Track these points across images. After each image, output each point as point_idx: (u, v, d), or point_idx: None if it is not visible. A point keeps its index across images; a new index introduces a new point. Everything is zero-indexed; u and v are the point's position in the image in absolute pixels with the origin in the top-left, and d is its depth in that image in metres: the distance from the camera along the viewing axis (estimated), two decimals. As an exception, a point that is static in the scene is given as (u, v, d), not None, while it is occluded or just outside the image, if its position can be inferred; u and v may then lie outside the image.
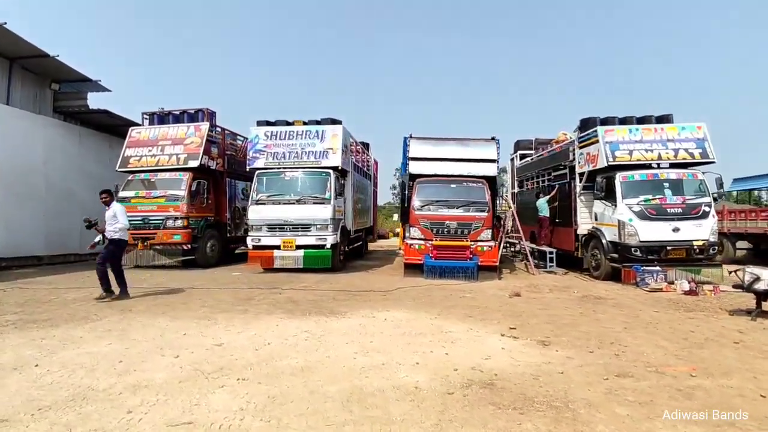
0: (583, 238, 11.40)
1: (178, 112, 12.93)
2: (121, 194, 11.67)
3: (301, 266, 10.81)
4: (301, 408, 3.23)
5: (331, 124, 11.55)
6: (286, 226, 10.87)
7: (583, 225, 11.44)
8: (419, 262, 10.60)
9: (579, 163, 11.46)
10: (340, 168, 11.32)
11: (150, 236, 11.29)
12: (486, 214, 10.74)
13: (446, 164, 11.38)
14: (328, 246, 10.82)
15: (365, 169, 15.85)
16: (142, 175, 11.94)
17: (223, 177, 12.98)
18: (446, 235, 10.65)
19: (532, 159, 15.72)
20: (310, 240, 10.79)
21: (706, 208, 9.60)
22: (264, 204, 10.98)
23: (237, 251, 13.98)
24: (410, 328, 5.64)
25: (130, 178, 11.96)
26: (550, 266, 11.81)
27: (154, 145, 12.18)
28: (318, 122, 11.68)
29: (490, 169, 11.33)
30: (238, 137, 14.20)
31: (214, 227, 12.58)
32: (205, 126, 12.17)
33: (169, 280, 9.61)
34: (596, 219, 10.84)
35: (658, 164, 10.13)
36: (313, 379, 3.82)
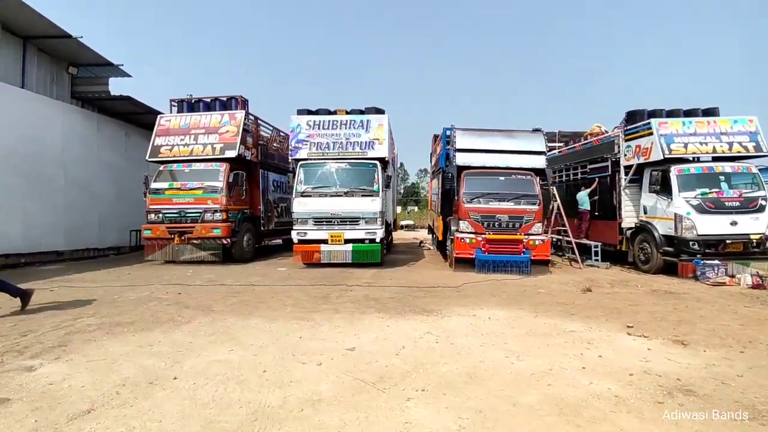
0: (629, 232, 11.35)
1: (209, 100, 12.31)
2: (154, 185, 11.10)
3: (350, 261, 10.47)
4: (528, 424, 2.96)
5: (375, 114, 11.15)
6: (333, 220, 10.49)
7: (628, 218, 11.39)
8: (471, 256, 10.37)
9: (625, 155, 11.36)
10: (386, 159, 10.97)
11: (187, 230, 10.74)
12: (537, 207, 10.56)
13: (493, 156, 11.13)
14: (378, 240, 10.50)
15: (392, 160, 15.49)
16: (175, 166, 11.34)
17: (256, 168, 12.46)
18: (497, 228, 10.43)
19: (559, 152, 15.61)
20: (359, 234, 10.44)
21: (763, 202, 9.61)
22: (310, 196, 10.55)
23: (265, 245, 13.52)
24: (527, 328, 5.40)
25: (161, 168, 11.35)
26: (595, 260, 11.73)
27: (186, 133, 11.58)
28: (361, 111, 11.27)
29: (538, 161, 11.13)
30: (267, 126, 13.65)
31: (249, 220, 12.09)
32: (240, 114, 11.62)
33: (218, 277, 9.15)
34: (645, 212, 10.79)
35: (714, 157, 10.09)
36: (494, 389, 3.55)
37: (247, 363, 4.08)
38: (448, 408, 3.19)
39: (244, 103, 12.22)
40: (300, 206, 10.51)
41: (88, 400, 3.25)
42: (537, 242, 10.38)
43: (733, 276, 9.13)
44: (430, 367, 4.01)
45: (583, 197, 12.84)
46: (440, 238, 12.55)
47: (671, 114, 10.91)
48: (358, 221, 10.49)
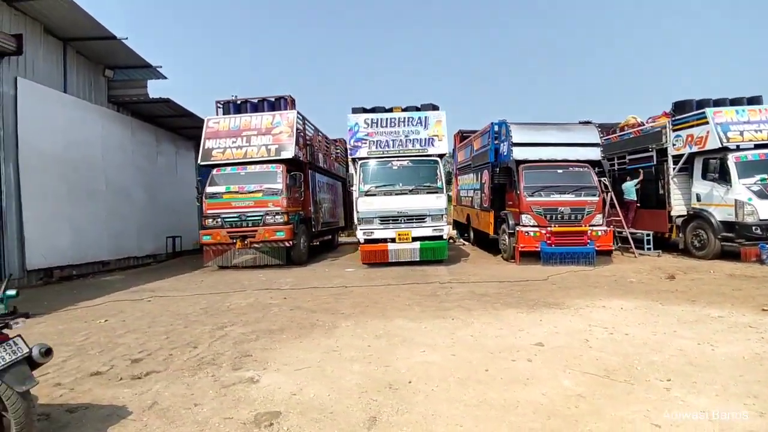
0: (679, 220, 11.64)
1: (256, 101, 12.04)
2: (209, 189, 10.81)
3: (417, 259, 10.44)
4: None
5: (431, 110, 11.12)
6: (400, 218, 10.43)
7: (677, 207, 11.68)
8: (535, 249, 10.47)
9: (674, 145, 11.63)
10: (445, 155, 10.97)
11: (249, 234, 10.50)
12: (597, 198, 10.73)
13: (550, 149, 11.23)
14: (445, 236, 10.49)
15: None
16: (229, 169, 11.06)
17: (306, 169, 12.27)
18: (560, 221, 10.55)
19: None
20: (426, 231, 10.41)
21: (817, 186, 10.00)
22: (374, 195, 10.46)
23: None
24: (673, 317, 5.48)
25: (215, 172, 11.04)
26: (647, 248, 11.99)
27: (238, 135, 11.31)
28: (417, 108, 11.22)
29: (594, 153, 11.30)
30: (310, 125, 13.45)
31: (304, 222, 11.90)
32: (292, 114, 11.42)
33: (298, 280, 8.98)
34: (699, 200, 11.07)
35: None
36: (738, 374, 3.59)
37: (455, 363, 4.03)
38: (729, 397, 3.21)
39: (293, 103, 12.01)
40: (365, 205, 10.41)
41: (357, 408, 3.15)
42: (600, 233, 10.55)
43: (797, 258, 9.47)
44: (644, 358, 4.03)
45: (629, 187, 13.07)
46: (491, 233, 12.60)
47: (718, 103, 11.23)
48: (424, 218, 10.46)
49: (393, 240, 10.37)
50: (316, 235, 13.13)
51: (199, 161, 11.30)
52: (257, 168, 10.99)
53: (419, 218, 10.45)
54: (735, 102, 11.21)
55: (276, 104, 11.96)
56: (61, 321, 5.98)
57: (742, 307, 5.86)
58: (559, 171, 11.07)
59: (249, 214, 10.59)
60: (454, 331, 5.03)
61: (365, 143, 10.80)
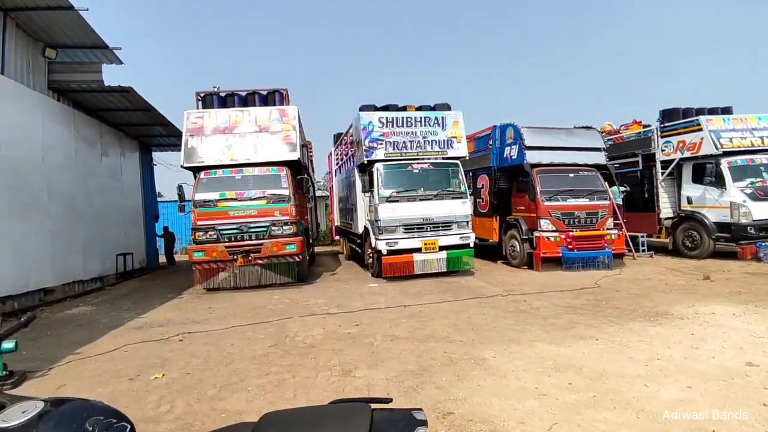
0: (668, 222, 12.21)
1: (244, 93, 10.37)
2: (199, 197, 9.01)
3: (444, 269, 9.65)
4: None
5: (446, 110, 10.41)
6: (425, 226, 9.53)
7: (666, 209, 12.26)
8: (557, 255, 10.23)
9: (664, 151, 12.19)
10: (466, 159, 10.33)
11: (253, 249, 8.88)
12: (608, 202, 10.84)
13: (560, 153, 11.14)
14: (472, 244, 9.80)
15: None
16: (221, 172, 9.32)
17: (304, 173, 10.84)
18: (577, 225, 10.45)
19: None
20: (453, 239, 9.63)
21: (796, 188, 11.01)
22: (397, 201, 9.44)
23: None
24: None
25: (203, 175, 9.23)
26: (642, 250, 12.39)
27: (228, 132, 9.60)
28: (431, 108, 10.44)
29: (600, 157, 11.41)
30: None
31: (305, 232, 10.47)
32: (293, 110, 9.98)
33: (332, 301, 7.67)
34: (689, 202, 11.66)
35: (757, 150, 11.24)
36: None
37: (726, 391, 3.30)
38: None
39: (287, 98, 10.53)
40: (388, 212, 9.35)
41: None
42: (613, 236, 10.62)
43: (788, 255, 10.26)
44: None
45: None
46: (493, 239, 12.20)
47: (700, 112, 11.97)
48: (450, 226, 9.69)
49: (419, 250, 9.44)
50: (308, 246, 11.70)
51: (181, 163, 9.37)
52: (256, 171, 9.40)
53: (445, 226, 9.65)
54: (712, 112, 12.03)
55: (269, 98, 10.40)
56: (83, 378, 4.20)
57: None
58: (571, 175, 10.99)
59: (252, 225, 8.97)
60: (623, 353, 4.33)
61: (381, 144, 9.75)
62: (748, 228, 10.50)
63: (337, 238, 17.47)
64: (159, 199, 17.85)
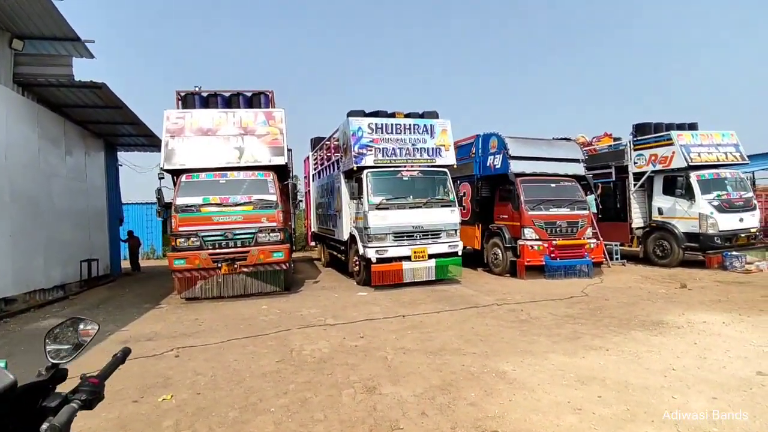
0: (639, 231, 12.72)
1: (227, 94, 9.98)
2: (181, 201, 8.56)
3: (433, 278, 9.60)
4: None
5: (435, 118, 10.40)
6: (415, 234, 9.46)
7: (637, 219, 12.78)
8: (541, 263, 10.42)
9: (636, 163, 12.72)
10: (454, 167, 10.36)
11: (239, 256, 8.50)
12: (587, 212, 11.17)
13: (542, 163, 11.37)
14: (460, 253, 9.81)
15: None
16: (204, 176, 8.89)
17: (288, 178, 10.53)
18: (559, 234, 10.69)
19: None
20: (442, 248, 9.61)
21: (754, 201, 11.76)
22: (387, 209, 9.32)
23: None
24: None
25: (185, 179, 8.78)
26: (616, 258, 12.83)
27: (210, 135, 9.19)
28: (420, 115, 10.41)
29: (579, 168, 11.74)
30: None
31: (290, 240, 10.15)
32: (280, 113, 9.67)
33: (326, 312, 7.44)
34: (661, 213, 12.20)
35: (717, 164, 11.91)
36: None
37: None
38: None
39: (273, 100, 10.22)
40: (378, 220, 9.21)
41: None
42: (593, 245, 10.93)
43: (750, 263, 10.91)
44: None
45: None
46: (476, 247, 12.29)
47: (669, 128, 12.58)
48: (439, 234, 9.66)
49: (408, 258, 9.35)
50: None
51: (161, 165, 8.86)
52: (241, 175, 9.03)
53: (434, 234, 9.62)
54: (680, 127, 12.66)
55: (254, 100, 10.06)
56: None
57: (816, 314, 6.27)
58: (553, 185, 11.25)
59: (237, 232, 8.60)
60: (638, 364, 4.39)
61: (371, 150, 9.61)
62: (715, 238, 11.08)
63: (313, 244, 17.14)
64: (124, 201, 16.88)
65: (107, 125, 12.77)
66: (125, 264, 15.40)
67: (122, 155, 15.84)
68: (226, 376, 4.34)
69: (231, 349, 5.32)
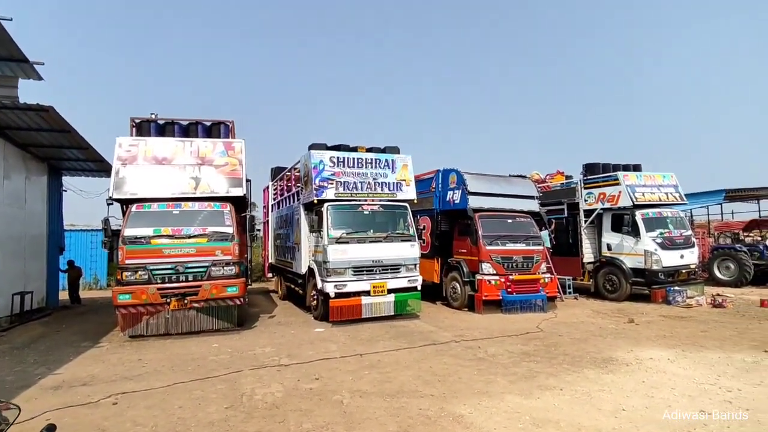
0: (591, 266, 13.23)
1: (185, 123, 9.74)
2: (129, 232, 8.15)
3: (392, 313, 9.53)
4: None
5: (396, 153, 10.56)
6: (375, 268, 9.40)
7: (588, 255, 13.31)
8: (498, 298, 10.58)
9: (586, 201, 13.34)
10: (414, 201, 10.47)
11: (190, 291, 8.12)
12: (542, 247, 11.52)
13: (500, 199, 11.72)
14: (419, 288, 9.81)
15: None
16: (156, 206, 8.54)
17: (246, 209, 10.28)
18: (515, 269, 10.93)
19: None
20: (401, 282, 9.58)
21: (693, 239, 12.54)
22: (347, 242, 9.24)
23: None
24: (725, 366, 5.89)
25: (135, 209, 8.39)
26: (569, 292, 13.22)
27: (165, 163, 8.90)
28: (381, 150, 10.53)
29: (534, 205, 12.17)
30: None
31: (246, 273, 9.82)
32: (240, 144, 9.52)
33: (281, 350, 7.17)
34: (609, 249, 12.77)
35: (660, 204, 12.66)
36: None
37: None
38: None
39: (233, 130, 10.07)
40: (338, 254, 9.10)
41: None
42: (547, 280, 11.24)
43: (691, 298, 11.51)
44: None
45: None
46: (436, 280, 12.35)
47: (616, 168, 13.35)
48: (399, 269, 9.65)
49: (367, 293, 9.25)
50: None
51: (111, 194, 8.44)
52: (196, 206, 8.74)
53: (394, 268, 9.60)
54: (625, 168, 13.46)
55: (213, 130, 9.88)
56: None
57: (745, 350, 6.65)
58: (509, 221, 11.58)
59: (190, 265, 8.24)
60: (590, 404, 4.45)
61: (332, 184, 9.58)
62: (659, 274, 11.67)
63: (270, 275, 16.68)
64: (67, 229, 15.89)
65: (52, 149, 12.10)
66: (64, 295, 14.37)
67: (68, 180, 15.04)
68: (169, 427, 4.04)
69: (176, 394, 4.99)
